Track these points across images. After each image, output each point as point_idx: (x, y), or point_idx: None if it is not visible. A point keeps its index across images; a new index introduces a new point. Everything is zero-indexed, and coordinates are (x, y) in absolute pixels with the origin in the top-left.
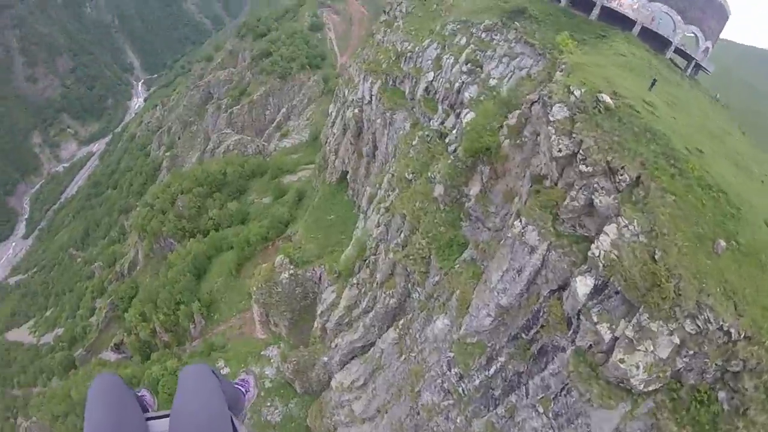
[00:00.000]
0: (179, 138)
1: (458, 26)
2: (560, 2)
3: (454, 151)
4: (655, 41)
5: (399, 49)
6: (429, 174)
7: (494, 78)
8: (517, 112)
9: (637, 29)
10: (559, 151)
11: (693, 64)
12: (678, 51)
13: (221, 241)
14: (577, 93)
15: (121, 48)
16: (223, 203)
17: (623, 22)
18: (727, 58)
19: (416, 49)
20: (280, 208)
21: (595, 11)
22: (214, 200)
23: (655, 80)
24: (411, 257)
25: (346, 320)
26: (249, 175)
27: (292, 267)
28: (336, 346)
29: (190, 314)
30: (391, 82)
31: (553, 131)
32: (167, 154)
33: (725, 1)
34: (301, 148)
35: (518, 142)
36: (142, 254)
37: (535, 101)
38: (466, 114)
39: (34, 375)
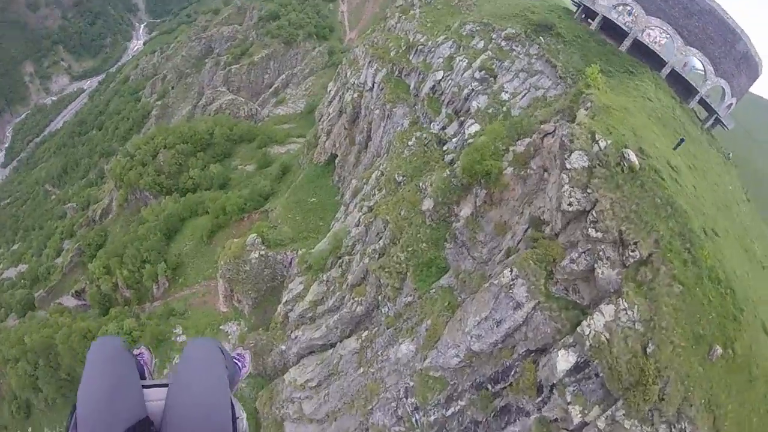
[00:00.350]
0: (172, 88)
1: (478, 28)
2: (590, 24)
3: (452, 162)
4: (680, 86)
5: (411, 40)
6: (420, 182)
7: (507, 92)
8: (527, 140)
9: (666, 71)
10: (570, 204)
11: (714, 117)
12: (701, 101)
13: (197, 204)
14: (602, 143)
15: None
16: (206, 165)
17: (652, 58)
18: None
19: (429, 43)
20: (262, 181)
21: (626, 42)
22: (197, 159)
23: (682, 140)
24: (386, 269)
25: (310, 315)
26: (236, 140)
27: (263, 248)
28: (296, 338)
29: (154, 274)
30: (396, 73)
31: (567, 180)
32: (158, 102)
33: (761, 60)
34: (294, 119)
35: (522, 173)
36: (116, 204)
37: (550, 133)
38: (471, 125)
39: None
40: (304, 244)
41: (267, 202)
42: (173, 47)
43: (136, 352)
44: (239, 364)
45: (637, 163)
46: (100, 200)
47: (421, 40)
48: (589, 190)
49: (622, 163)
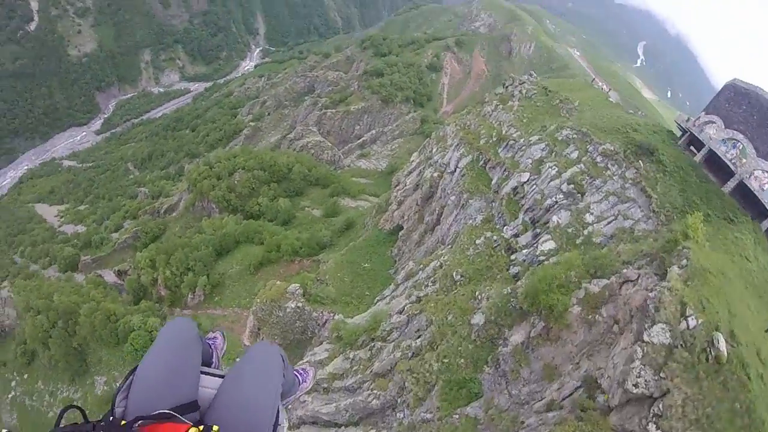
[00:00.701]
0: (268, 114)
1: (575, 136)
2: (695, 155)
3: (516, 277)
4: None
5: (503, 132)
6: (477, 290)
7: (592, 214)
8: (604, 281)
9: (766, 225)
10: (636, 385)
11: None
12: None
13: (256, 233)
14: (691, 322)
15: (253, 12)
16: (276, 197)
17: (755, 205)
18: None
19: (521, 140)
20: (324, 230)
21: (731, 184)
22: (269, 189)
23: None
24: (415, 374)
25: (325, 386)
26: (312, 181)
27: (302, 300)
28: (304, 402)
29: (194, 284)
30: (481, 163)
31: (640, 355)
32: (251, 123)
33: None
34: (372, 176)
35: (590, 317)
36: (183, 205)
37: (631, 281)
38: (546, 241)
39: (39, 254)
40: (344, 309)
41: (322, 252)
42: (279, 77)
43: (210, 335)
44: (300, 377)
45: (725, 353)
46: (170, 196)
47: (514, 135)
48: (662, 375)
49: (708, 351)
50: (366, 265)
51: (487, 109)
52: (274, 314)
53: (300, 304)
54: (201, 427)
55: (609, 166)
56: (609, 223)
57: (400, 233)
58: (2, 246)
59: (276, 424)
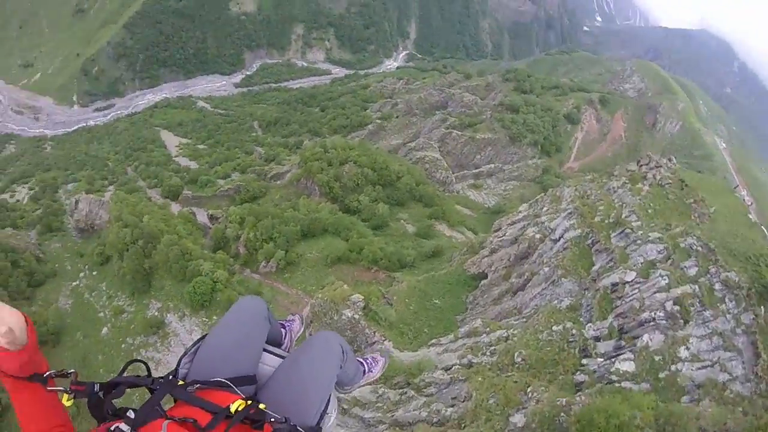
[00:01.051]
0: (396, 117)
1: (699, 248)
2: None
3: (578, 387)
4: None
5: (622, 216)
6: (532, 384)
7: (688, 349)
8: None
9: None
10: None
11: None
12: None
13: (345, 228)
14: None
15: (408, 16)
16: (377, 200)
17: None
18: None
19: (640, 232)
20: (410, 250)
21: None
22: (373, 190)
23: None
24: None
25: (346, 407)
26: (416, 196)
27: (360, 313)
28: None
29: (270, 255)
30: (589, 242)
31: None
32: (378, 121)
33: None
34: (477, 210)
35: None
36: (290, 177)
37: None
38: (625, 360)
39: (149, 174)
40: (397, 338)
41: (401, 271)
42: (417, 84)
43: (290, 317)
44: (366, 366)
45: None
46: (281, 164)
47: (633, 224)
48: None
49: None
50: (437, 301)
51: (613, 184)
52: (328, 315)
53: (357, 316)
54: (249, 402)
55: (726, 299)
56: (703, 368)
57: (482, 282)
58: (121, 156)
59: (324, 412)
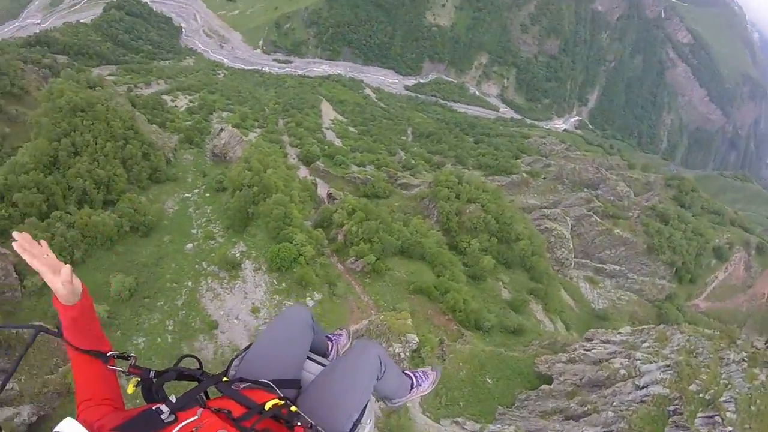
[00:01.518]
0: (543, 178)
1: None
2: None
3: None
4: None
5: (720, 399)
6: None
7: None
8: None
9: None
10: None
11: None
12: None
13: (441, 265)
14: None
15: (593, 84)
16: (487, 251)
17: None
18: None
19: (728, 427)
20: (492, 317)
21: None
22: (487, 240)
23: None
24: None
25: None
26: (526, 265)
27: (407, 356)
28: None
29: (361, 255)
30: (671, 408)
31: None
32: (524, 175)
33: None
34: (581, 306)
35: None
36: (416, 192)
37: None
38: None
39: (295, 134)
40: (428, 397)
41: (472, 332)
42: (577, 154)
43: (337, 332)
44: (414, 380)
45: None
46: (414, 176)
47: (728, 414)
48: None
49: None
50: (489, 381)
51: (730, 355)
52: (380, 338)
53: (403, 355)
54: (282, 402)
55: None
56: None
57: (544, 386)
58: (279, 108)
59: (357, 422)
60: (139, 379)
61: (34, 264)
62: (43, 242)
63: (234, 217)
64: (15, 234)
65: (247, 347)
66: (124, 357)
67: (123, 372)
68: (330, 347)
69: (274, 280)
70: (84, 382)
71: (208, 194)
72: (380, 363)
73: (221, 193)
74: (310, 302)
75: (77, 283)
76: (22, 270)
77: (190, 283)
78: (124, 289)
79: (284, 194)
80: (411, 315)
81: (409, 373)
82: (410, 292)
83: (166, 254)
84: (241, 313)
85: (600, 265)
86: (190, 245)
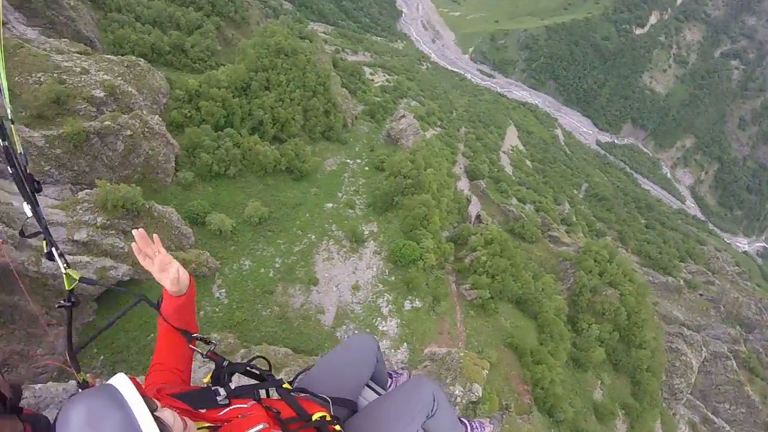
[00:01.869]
0: (700, 294)
1: None
2: None
3: None
4: None
5: None
6: None
7: None
8: None
9: None
10: None
11: None
12: None
13: (548, 334)
14: None
15: None
16: (603, 342)
17: None
18: None
19: None
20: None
21: None
22: (609, 335)
23: None
24: None
25: None
26: (634, 380)
27: (466, 402)
28: None
29: (479, 286)
30: None
31: None
32: (680, 281)
33: None
34: None
35: None
36: (561, 251)
37: None
38: None
39: (471, 150)
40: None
41: (539, 413)
42: (748, 285)
43: (399, 371)
44: (468, 427)
45: None
46: (568, 234)
47: None
48: None
49: None
50: None
51: None
52: (442, 378)
53: (458, 402)
54: (330, 417)
55: None
56: None
57: None
58: (466, 117)
59: None
60: (213, 367)
61: (146, 264)
62: (156, 237)
63: (379, 198)
64: (135, 232)
65: (309, 367)
66: (206, 341)
67: (201, 353)
68: (389, 383)
69: (387, 270)
70: (163, 350)
71: (367, 168)
72: (433, 400)
73: (378, 172)
74: (408, 305)
75: (184, 276)
76: (181, 162)
77: (313, 237)
78: (256, 215)
79: (433, 197)
80: (491, 366)
81: (465, 421)
82: (504, 344)
83: (306, 203)
84: (342, 283)
85: (711, 416)
86: (330, 205)
